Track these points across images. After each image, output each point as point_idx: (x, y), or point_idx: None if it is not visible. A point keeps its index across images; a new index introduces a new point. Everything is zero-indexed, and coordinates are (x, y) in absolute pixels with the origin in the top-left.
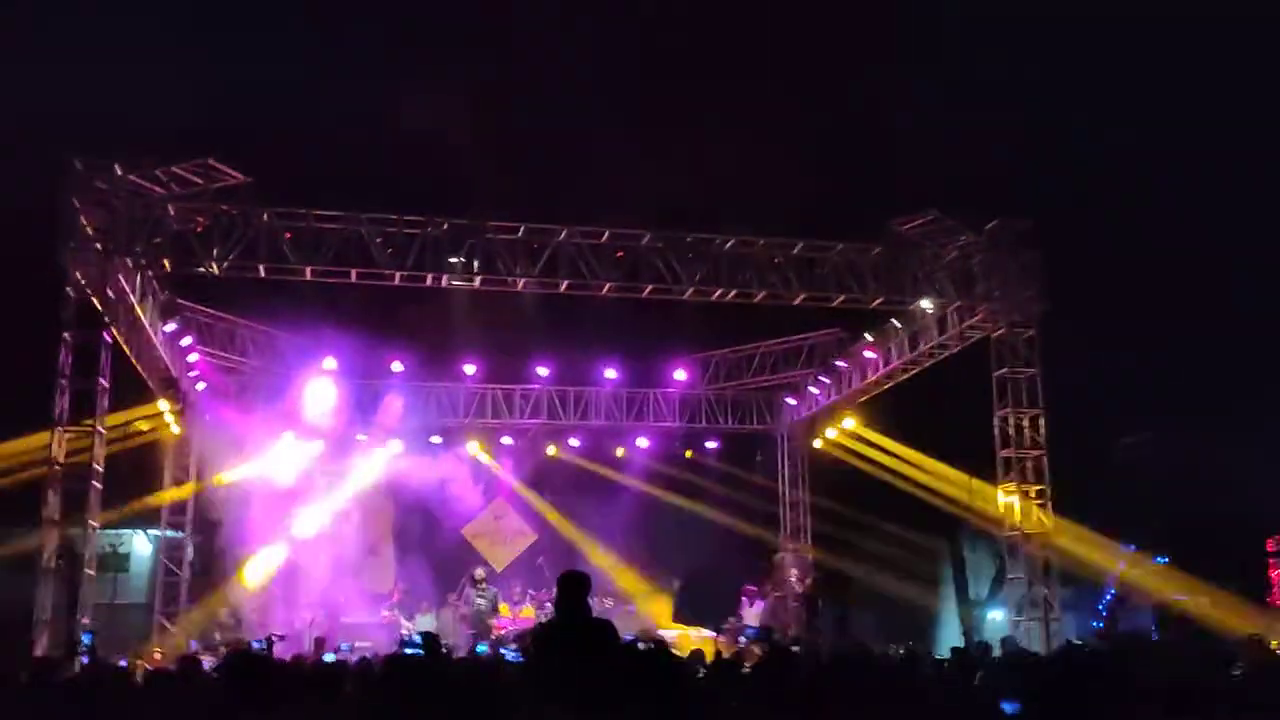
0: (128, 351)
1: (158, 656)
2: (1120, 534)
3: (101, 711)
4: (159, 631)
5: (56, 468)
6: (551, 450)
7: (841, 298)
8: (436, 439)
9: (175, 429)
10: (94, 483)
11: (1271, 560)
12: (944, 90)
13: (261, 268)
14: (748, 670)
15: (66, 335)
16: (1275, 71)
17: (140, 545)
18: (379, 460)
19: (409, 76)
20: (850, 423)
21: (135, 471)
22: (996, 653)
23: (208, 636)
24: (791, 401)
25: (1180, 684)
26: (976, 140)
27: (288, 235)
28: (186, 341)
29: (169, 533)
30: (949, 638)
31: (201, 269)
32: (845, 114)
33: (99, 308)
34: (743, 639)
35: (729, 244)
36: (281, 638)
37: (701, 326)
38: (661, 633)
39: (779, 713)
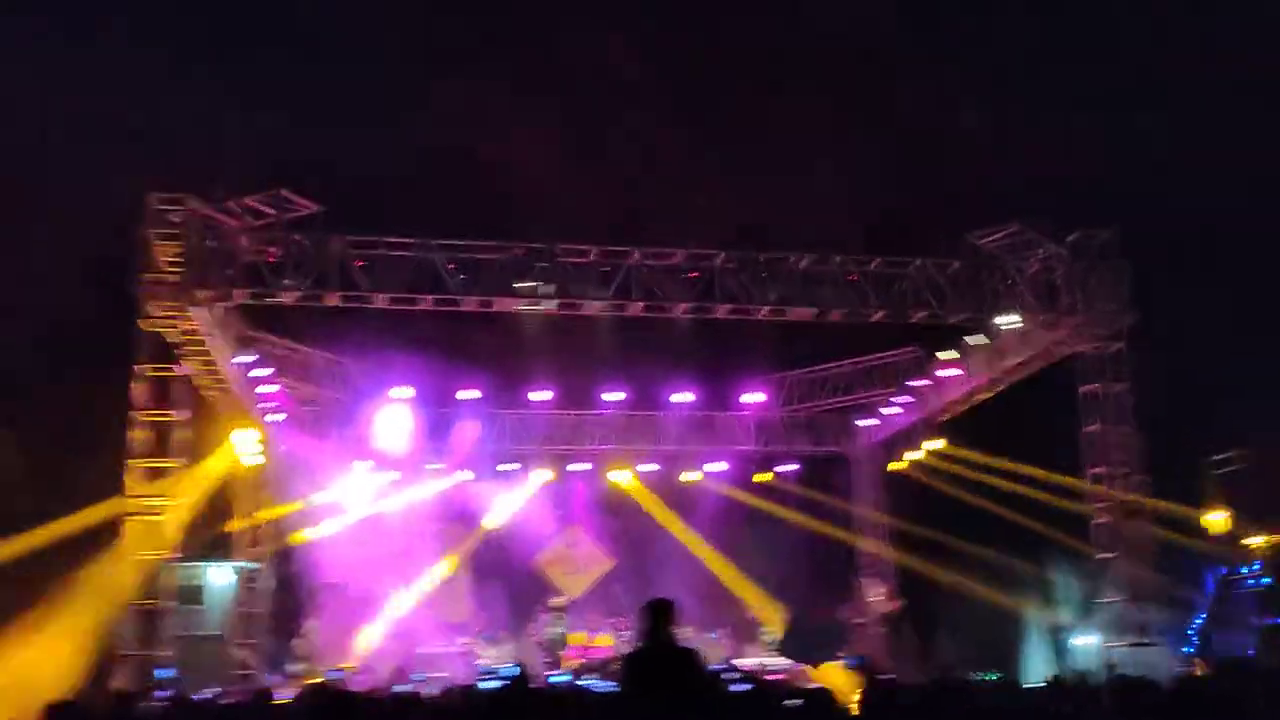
0: (202, 385)
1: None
2: None
3: None
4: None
5: (133, 501)
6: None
7: (921, 314)
8: (512, 465)
9: (250, 460)
10: (169, 516)
11: None
12: (1024, 99)
13: (334, 296)
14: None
15: (141, 369)
16: None
17: (214, 577)
18: (451, 487)
19: (478, 104)
20: (938, 443)
21: (210, 503)
22: (1092, 680)
23: (284, 668)
24: (870, 422)
25: None
26: (1057, 149)
27: (359, 263)
28: (262, 373)
29: (247, 564)
30: (1034, 663)
31: (274, 299)
32: (920, 127)
33: (174, 341)
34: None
35: (804, 262)
36: (357, 670)
37: (775, 347)
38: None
39: None
